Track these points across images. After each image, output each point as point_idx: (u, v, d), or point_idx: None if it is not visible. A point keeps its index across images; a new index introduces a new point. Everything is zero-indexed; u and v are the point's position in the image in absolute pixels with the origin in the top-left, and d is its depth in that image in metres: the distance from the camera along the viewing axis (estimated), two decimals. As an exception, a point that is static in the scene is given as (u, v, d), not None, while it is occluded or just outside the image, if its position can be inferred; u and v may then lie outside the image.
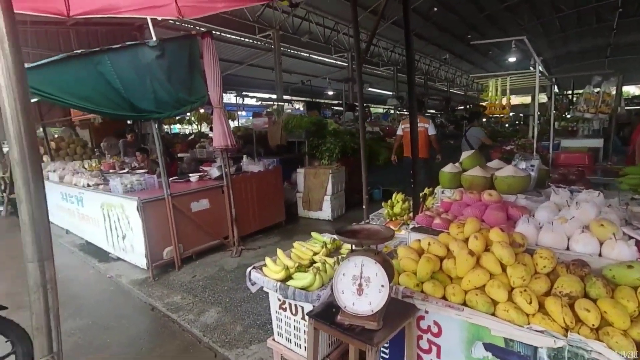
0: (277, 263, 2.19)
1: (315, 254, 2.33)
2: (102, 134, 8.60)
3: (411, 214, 3.16)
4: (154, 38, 3.43)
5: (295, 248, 2.41)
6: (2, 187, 7.04)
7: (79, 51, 3.05)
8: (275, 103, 12.43)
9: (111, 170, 5.59)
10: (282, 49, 11.51)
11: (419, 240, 1.99)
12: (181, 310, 3.07)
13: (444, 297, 1.64)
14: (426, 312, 1.68)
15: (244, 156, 5.31)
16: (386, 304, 1.39)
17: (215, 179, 4.61)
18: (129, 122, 9.57)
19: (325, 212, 5.69)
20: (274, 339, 2.18)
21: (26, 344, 2.12)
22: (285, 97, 12.96)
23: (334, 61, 14.67)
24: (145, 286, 3.58)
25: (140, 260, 3.80)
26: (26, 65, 3.00)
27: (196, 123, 11.03)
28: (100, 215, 4.24)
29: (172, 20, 8.16)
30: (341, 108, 12.67)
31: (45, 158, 7.31)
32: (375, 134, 8.21)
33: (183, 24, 8.75)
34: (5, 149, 8.16)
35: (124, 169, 5.64)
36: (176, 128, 13.77)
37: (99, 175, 5.01)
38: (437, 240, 1.92)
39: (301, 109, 12.51)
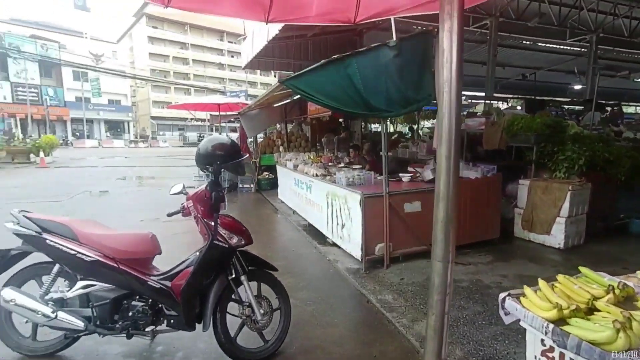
0: (538, 295, 1.79)
1: (595, 298, 1.77)
2: (318, 130, 10.09)
3: None
4: (394, 38, 3.54)
5: (562, 283, 1.90)
6: (254, 169, 9.35)
7: (335, 56, 3.49)
8: (481, 101, 11.20)
9: (329, 164, 6.39)
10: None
11: None
12: (394, 312, 3.08)
13: None
14: None
15: (459, 160, 4.91)
16: None
17: (428, 182, 4.45)
18: (340, 120, 10.84)
19: (555, 237, 4.57)
20: (525, 389, 1.80)
21: (287, 304, 2.57)
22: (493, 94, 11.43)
23: (568, 47, 11.75)
24: (358, 276, 3.83)
25: (355, 251, 4.11)
26: (297, 72, 3.68)
27: (397, 122, 11.31)
28: (325, 203, 4.86)
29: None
30: (578, 107, 10.04)
31: (281, 149, 9.21)
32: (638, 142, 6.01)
33: (400, 24, 9.00)
34: (259, 140, 10.83)
35: (339, 163, 6.34)
36: (373, 127, 14.63)
37: (322, 166, 5.81)
38: None
39: (519, 107, 10.69)
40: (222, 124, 11.72)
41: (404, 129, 12.38)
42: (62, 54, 35.47)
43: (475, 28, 10.13)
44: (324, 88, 3.62)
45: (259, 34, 7.09)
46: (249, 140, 10.15)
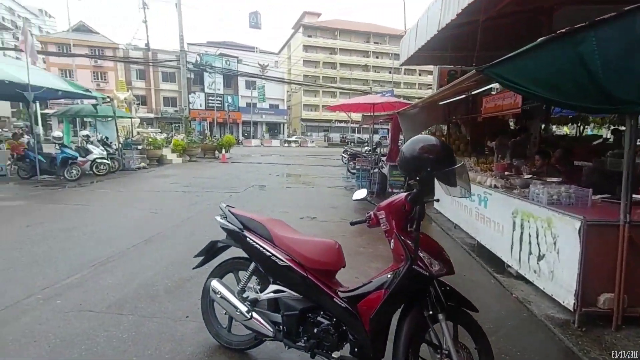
0: None
1: None
2: (478, 132, 8.72)
3: None
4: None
5: None
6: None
7: (562, 30, 2.60)
8: None
9: (506, 173, 5.26)
10: None
11: None
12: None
13: None
14: None
15: None
16: None
17: (694, 211, 2.98)
18: (510, 121, 9.13)
19: None
20: None
21: (485, 341, 1.97)
22: None
23: None
24: (569, 333, 2.82)
25: (562, 295, 3.08)
26: (501, 59, 2.94)
27: (594, 123, 8.72)
28: (509, 223, 3.92)
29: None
30: None
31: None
32: None
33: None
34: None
35: (519, 173, 5.14)
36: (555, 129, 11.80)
37: (499, 176, 4.80)
38: None
39: None
40: (374, 125, 11.54)
41: (600, 131, 9.61)
42: (239, 67, 43.18)
43: None
44: (540, 74, 2.77)
45: (426, 24, 6.47)
46: (400, 141, 9.66)
